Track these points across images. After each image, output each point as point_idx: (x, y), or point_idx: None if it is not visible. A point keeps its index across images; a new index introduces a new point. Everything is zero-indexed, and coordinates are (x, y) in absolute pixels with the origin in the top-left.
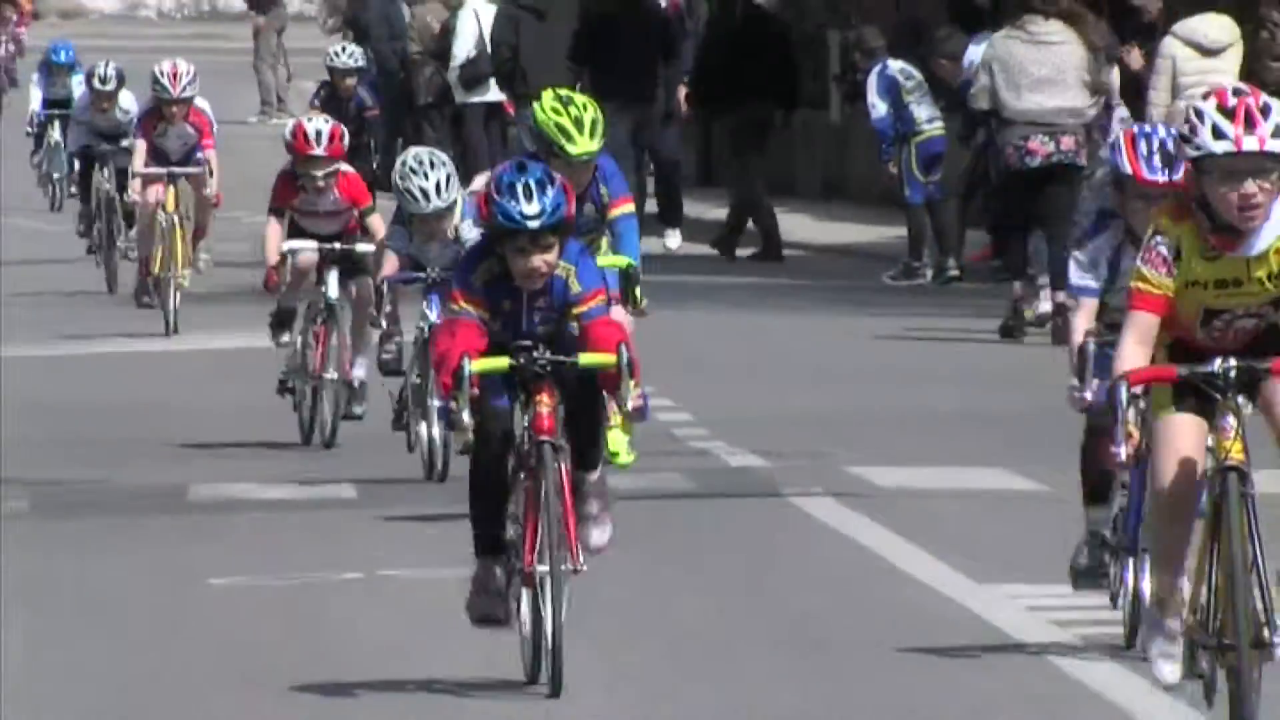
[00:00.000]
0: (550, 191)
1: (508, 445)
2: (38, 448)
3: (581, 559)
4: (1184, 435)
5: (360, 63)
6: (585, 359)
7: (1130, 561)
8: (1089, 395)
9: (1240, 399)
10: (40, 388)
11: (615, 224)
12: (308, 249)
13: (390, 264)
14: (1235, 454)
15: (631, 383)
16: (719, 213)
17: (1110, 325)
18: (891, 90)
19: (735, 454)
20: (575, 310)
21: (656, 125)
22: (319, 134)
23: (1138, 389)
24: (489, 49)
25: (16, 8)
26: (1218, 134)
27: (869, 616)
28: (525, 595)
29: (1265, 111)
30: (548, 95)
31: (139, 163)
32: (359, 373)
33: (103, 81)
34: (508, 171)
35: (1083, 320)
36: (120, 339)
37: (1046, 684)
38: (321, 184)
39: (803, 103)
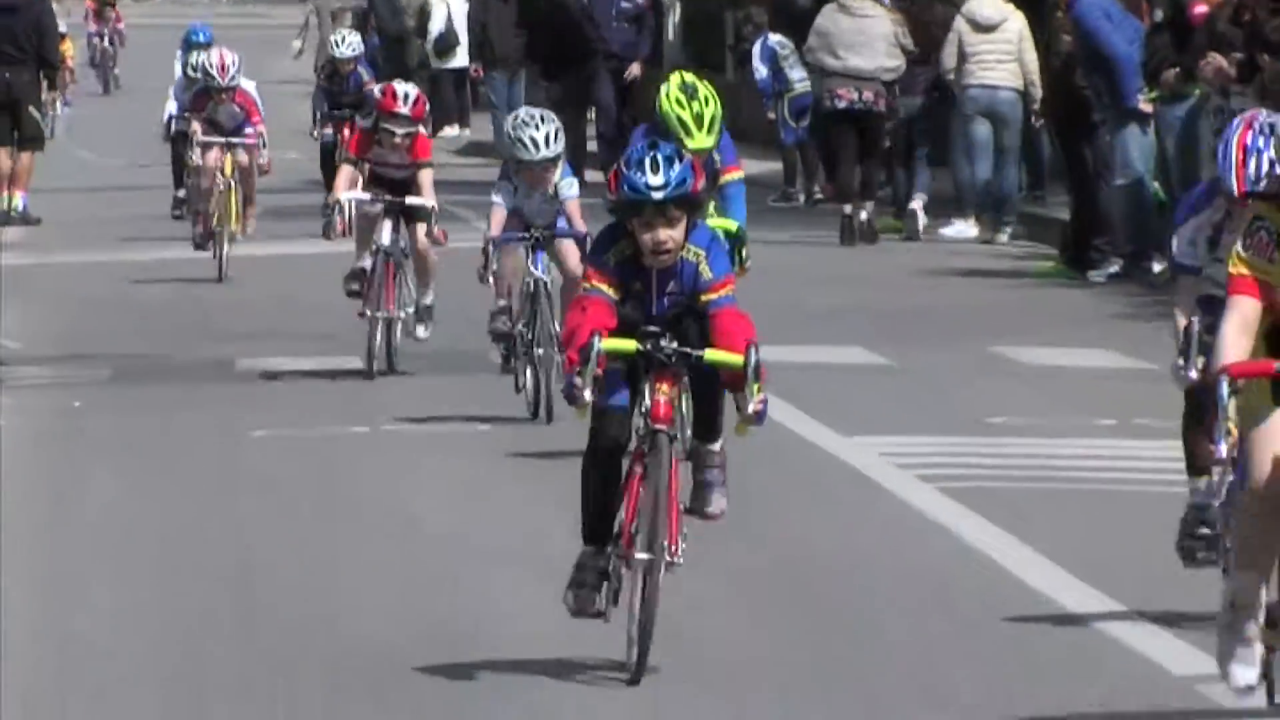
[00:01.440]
0: (677, 166)
1: (622, 449)
2: (115, 334)
3: (680, 551)
4: None
5: (357, 52)
6: (711, 355)
7: None
8: (1193, 374)
9: None
10: (119, 290)
11: (725, 188)
12: (363, 199)
13: (497, 220)
14: None
15: (756, 385)
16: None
17: (1208, 299)
18: (771, 57)
19: None
20: (704, 297)
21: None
22: (406, 95)
23: (1240, 382)
24: (457, 27)
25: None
26: None
27: (769, 468)
28: (628, 579)
29: None
30: (674, 83)
31: (198, 133)
32: (426, 300)
33: (193, 69)
34: (638, 148)
35: (1186, 298)
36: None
37: (899, 516)
38: (399, 140)
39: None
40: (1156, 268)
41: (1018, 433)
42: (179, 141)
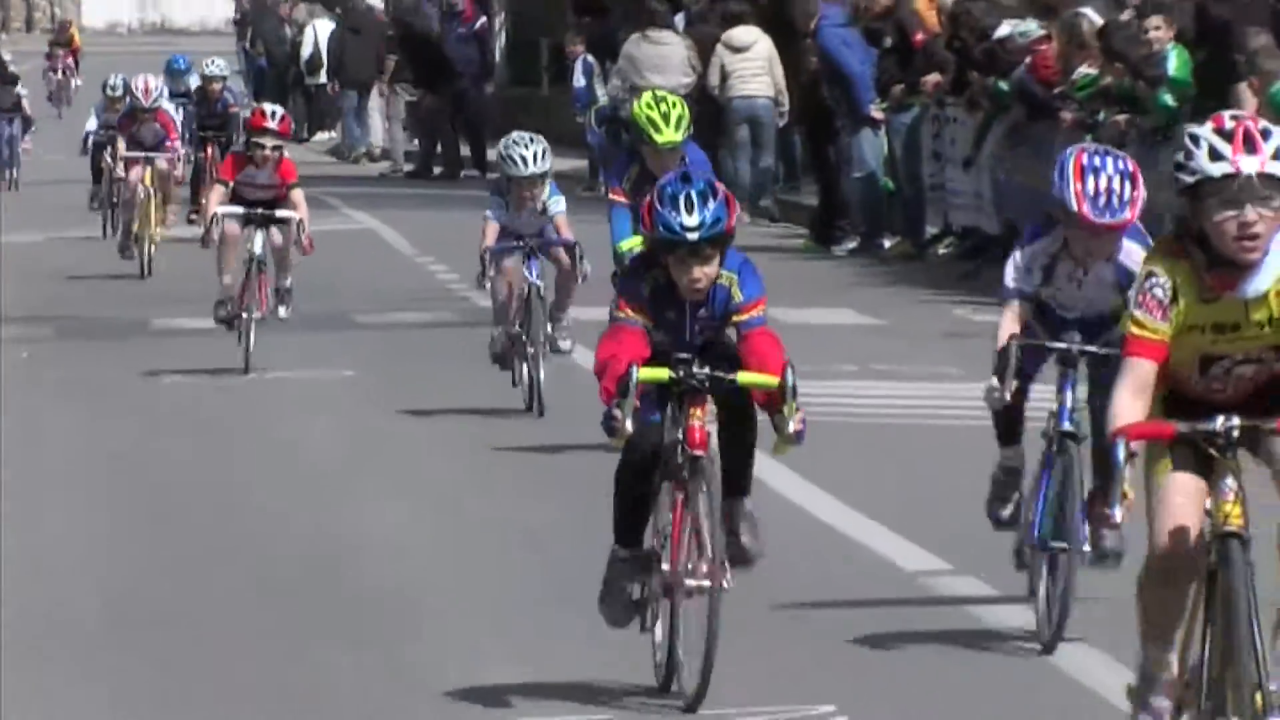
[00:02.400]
0: (711, 204)
1: (655, 460)
2: (54, 301)
3: (728, 577)
4: (1182, 496)
5: (225, 72)
6: (745, 378)
7: (1044, 558)
8: (1007, 396)
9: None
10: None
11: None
12: (235, 214)
13: (491, 232)
14: (1234, 519)
15: (794, 405)
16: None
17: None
18: (587, 73)
19: None
20: (736, 318)
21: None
22: (274, 113)
23: (1136, 446)
24: (323, 52)
25: (70, 43)
26: (1215, 156)
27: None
28: (664, 606)
29: (1265, 135)
30: (646, 95)
31: (122, 149)
32: (286, 284)
33: (113, 89)
34: (671, 183)
35: (1009, 322)
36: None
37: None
38: (268, 153)
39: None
40: (886, 244)
41: (840, 372)
42: (96, 152)
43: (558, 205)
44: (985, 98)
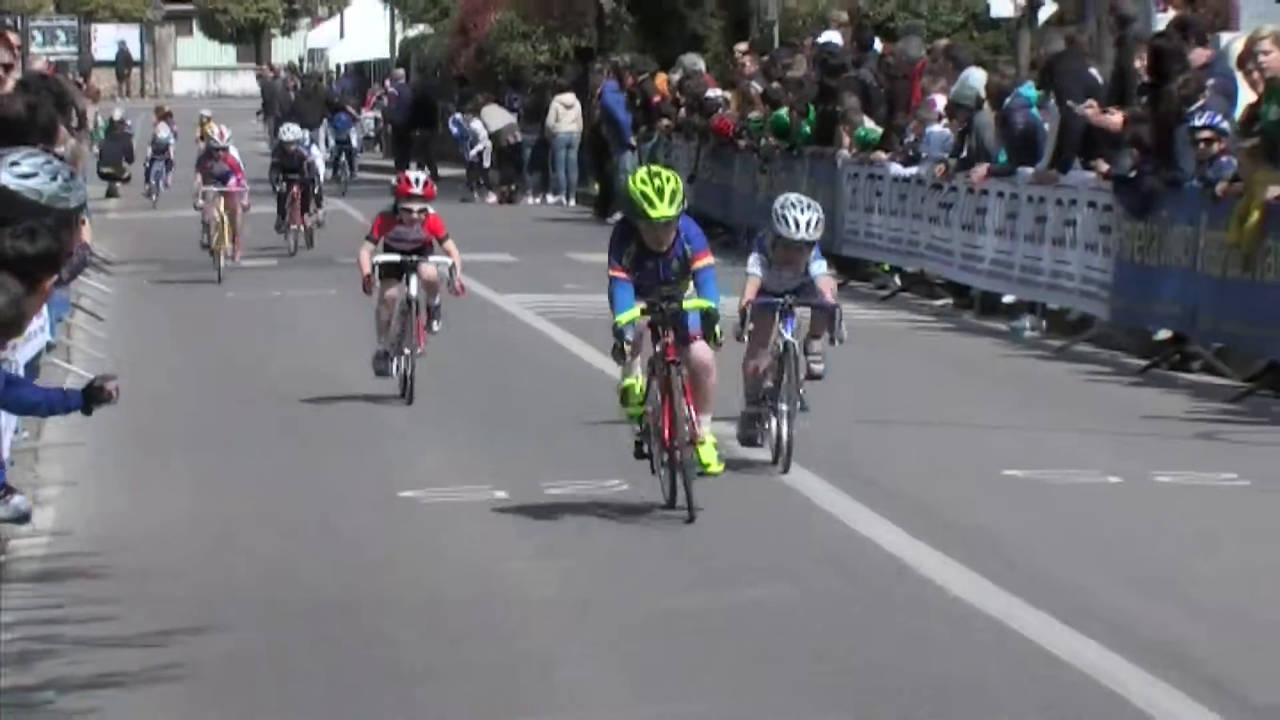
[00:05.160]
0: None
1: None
2: (161, 250)
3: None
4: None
5: (298, 136)
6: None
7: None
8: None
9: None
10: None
11: (698, 274)
12: (391, 261)
13: (753, 288)
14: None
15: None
16: None
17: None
18: (455, 122)
19: None
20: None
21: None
22: (417, 179)
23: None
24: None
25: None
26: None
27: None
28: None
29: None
30: (641, 171)
31: (199, 184)
32: (434, 301)
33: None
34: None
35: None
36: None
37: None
38: (415, 216)
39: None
40: None
41: (576, 292)
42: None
43: (820, 267)
44: (696, 135)
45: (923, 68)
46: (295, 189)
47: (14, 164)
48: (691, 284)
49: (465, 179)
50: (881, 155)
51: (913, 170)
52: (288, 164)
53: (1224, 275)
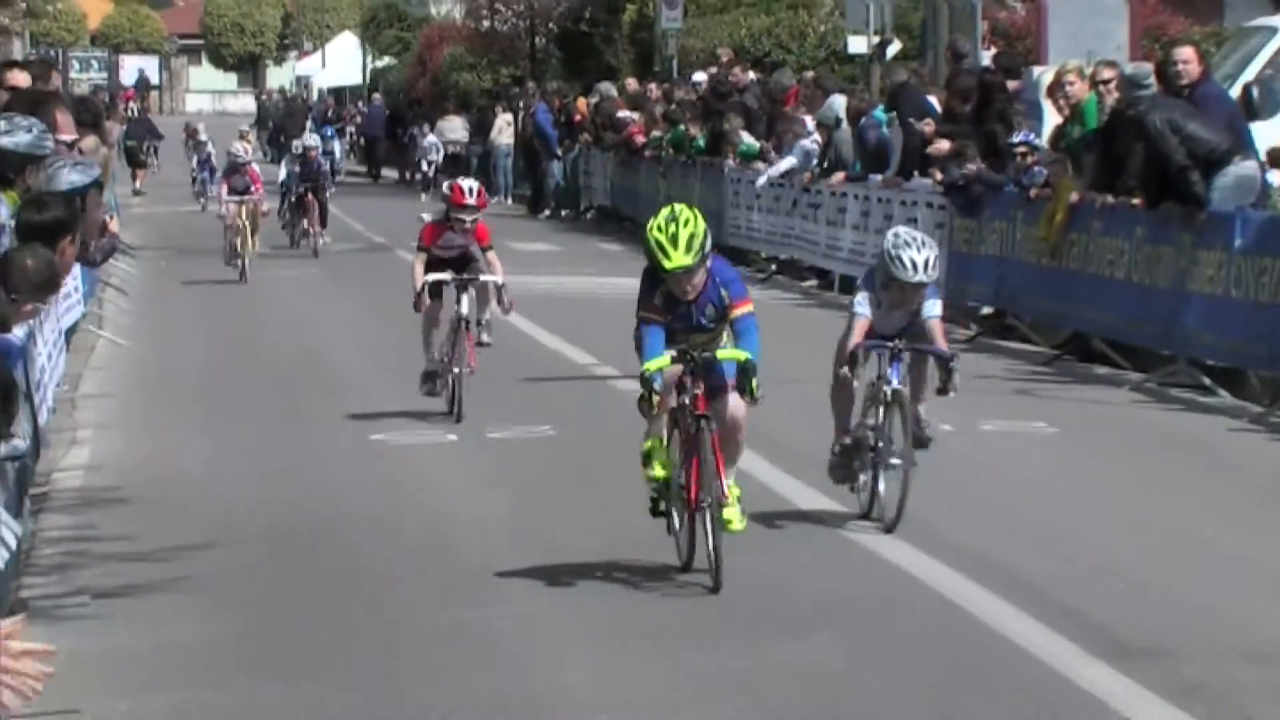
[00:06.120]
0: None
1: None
2: (179, 238)
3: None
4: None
5: (317, 143)
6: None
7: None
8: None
9: None
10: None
11: (735, 323)
12: (443, 280)
13: (860, 328)
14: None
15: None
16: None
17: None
18: (422, 133)
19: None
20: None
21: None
22: (471, 189)
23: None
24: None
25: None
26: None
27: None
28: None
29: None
30: (662, 213)
31: (224, 193)
32: (487, 316)
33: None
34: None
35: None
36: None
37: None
38: (468, 225)
39: None
40: (563, 213)
41: (538, 272)
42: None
43: (934, 308)
44: (612, 148)
45: (796, 93)
46: (310, 196)
47: None
48: (727, 332)
49: (420, 182)
50: (760, 165)
51: (777, 169)
52: (306, 170)
53: (1036, 262)
